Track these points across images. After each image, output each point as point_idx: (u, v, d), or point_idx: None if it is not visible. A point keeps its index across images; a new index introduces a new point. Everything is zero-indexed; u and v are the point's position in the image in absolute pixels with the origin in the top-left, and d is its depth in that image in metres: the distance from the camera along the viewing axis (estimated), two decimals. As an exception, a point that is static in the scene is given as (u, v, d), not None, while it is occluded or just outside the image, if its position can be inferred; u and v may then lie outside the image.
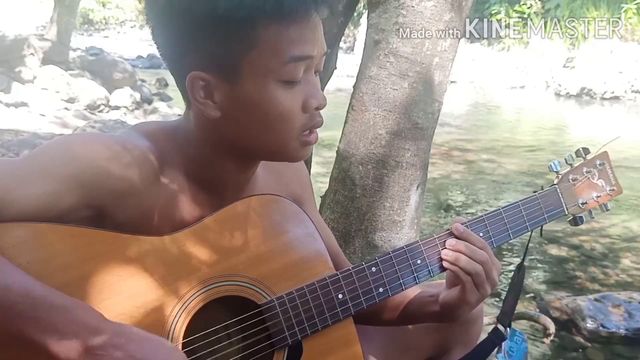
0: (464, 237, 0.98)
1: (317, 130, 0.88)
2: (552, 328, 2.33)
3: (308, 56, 0.81)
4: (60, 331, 0.69)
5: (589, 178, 1.13)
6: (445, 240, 1.00)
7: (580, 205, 1.12)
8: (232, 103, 0.82)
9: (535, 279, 3.06)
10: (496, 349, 1.11)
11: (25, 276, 0.71)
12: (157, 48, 0.86)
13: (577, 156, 1.14)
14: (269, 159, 0.92)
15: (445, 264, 0.98)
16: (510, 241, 1.07)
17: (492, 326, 1.12)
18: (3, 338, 0.70)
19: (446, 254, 0.98)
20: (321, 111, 0.87)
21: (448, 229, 1.01)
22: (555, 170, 1.12)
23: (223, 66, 0.80)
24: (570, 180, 1.12)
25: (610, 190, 1.14)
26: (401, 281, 0.96)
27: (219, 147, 0.87)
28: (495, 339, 1.10)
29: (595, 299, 2.65)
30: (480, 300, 0.98)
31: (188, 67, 0.81)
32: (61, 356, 0.69)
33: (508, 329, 1.11)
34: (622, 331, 2.48)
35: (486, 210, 4.33)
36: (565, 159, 1.13)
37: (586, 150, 1.14)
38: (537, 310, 2.64)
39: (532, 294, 2.87)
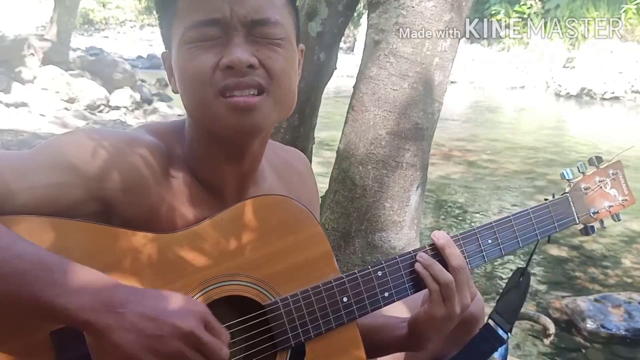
0: (441, 247, 0.95)
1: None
2: (552, 328, 2.33)
3: (213, 19, 0.80)
4: (77, 292, 0.69)
5: (601, 187, 1.10)
6: (455, 242, 0.97)
7: (591, 214, 1.10)
8: (175, 73, 0.86)
9: (535, 279, 3.06)
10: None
11: (36, 246, 0.72)
12: None
13: (589, 164, 1.12)
14: (216, 131, 0.85)
15: (417, 266, 0.94)
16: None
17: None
18: (16, 306, 0.70)
19: (421, 256, 0.95)
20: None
21: (456, 235, 0.99)
22: (567, 178, 1.10)
23: (166, 40, 0.87)
24: (582, 189, 1.09)
25: (622, 200, 1.12)
26: (406, 285, 0.95)
27: (199, 131, 0.87)
28: (491, 338, 1.06)
29: (595, 300, 2.65)
30: (448, 319, 0.92)
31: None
32: (82, 316, 0.69)
33: (509, 333, 1.07)
34: (622, 332, 2.48)
35: (486, 210, 4.34)
36: (577, 167, 1.11)
37: (599, 159, 1.11)
38: (537, 310, 2.64)
39: (532, 294, 2.87)
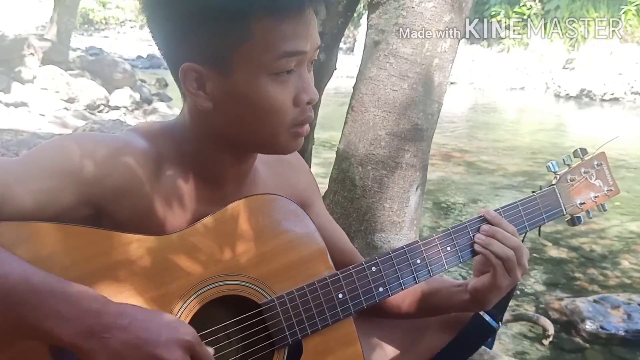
0: (495, 222, 1.01)
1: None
2: (551, 329, 2.33)
3: (300, 51, 0.81)
4: (62, 316, 0.69)
5: (586, 178, 1.13)
6: (446, 236, 1.01)
7: (578, 205, 1.12)
8: (223, 95, 0.82)
9: (534, 280, 3.06)
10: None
11: (24, 263, 0.71)
12: (153, 40, 0.86)
13: (574, 157, 1.14)
14: (260, 151, 0.92)
15: (477, 247, 1.00)
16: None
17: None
18: (4, 326, 0.70)
19: (479, 237, 1.00)
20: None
21: (446, 229, 1.02)
22: (553, 170, 1.13)
23: (215, 58, 0.80)
24: (569, 181, 1.12)
25: (607, 190, 1.14)
26: (401, 281, 0.97)
27: (213, 139, 0.88)
28: (481, 328, 1.08)
29: (595, 301, 2.65)
30: (511, 285, 0.99)
31: (182, 58, 0.82)
32: (65, 340, 0.69)
33: (500, 323, 1.10)
34: (622, 333, 2.48)
35: (486, 211, 4.33)
36: (563, 160, 1.13)
37: (584, 151, 1.14)
38: (536, 311, 2.64)
39: (531, 296, 2.87)
